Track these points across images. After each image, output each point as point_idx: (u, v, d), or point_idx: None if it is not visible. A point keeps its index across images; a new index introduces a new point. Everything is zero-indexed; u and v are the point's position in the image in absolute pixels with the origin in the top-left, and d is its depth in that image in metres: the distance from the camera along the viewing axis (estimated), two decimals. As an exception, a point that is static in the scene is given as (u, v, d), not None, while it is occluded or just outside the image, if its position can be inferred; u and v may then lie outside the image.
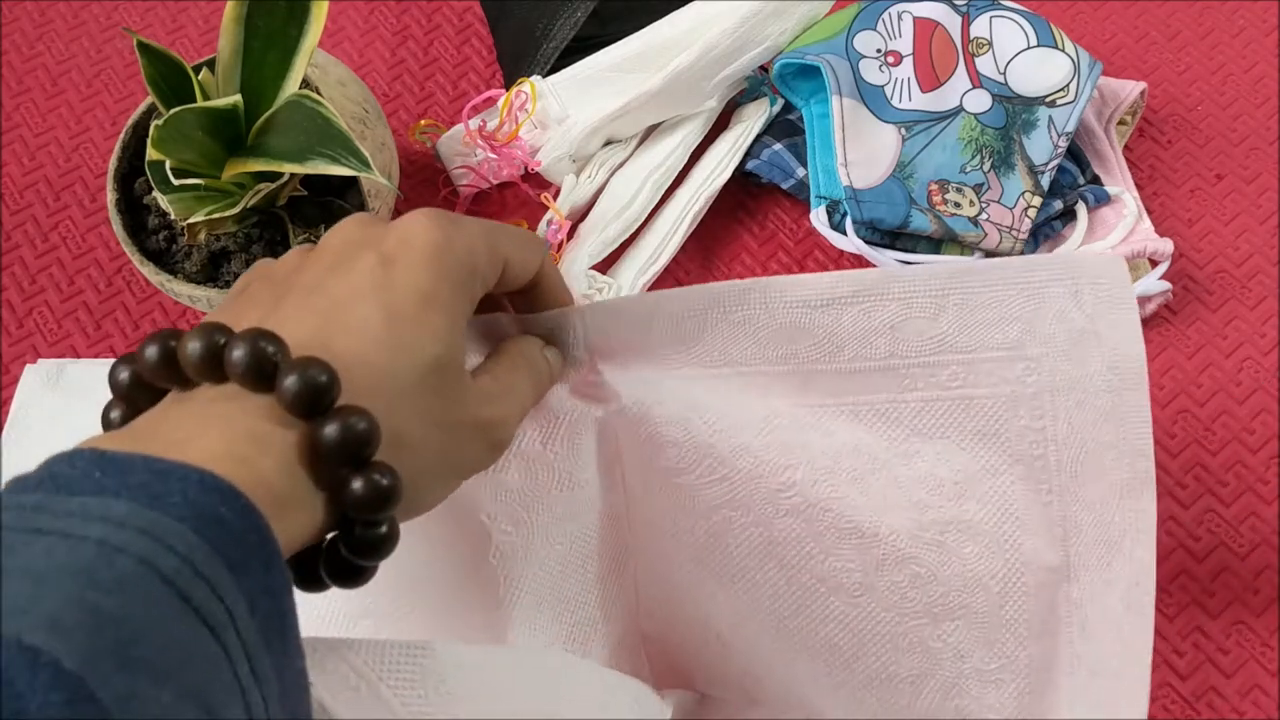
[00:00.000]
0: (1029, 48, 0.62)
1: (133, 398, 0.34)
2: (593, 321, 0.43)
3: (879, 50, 0.61)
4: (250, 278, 0.38)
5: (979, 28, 0.62)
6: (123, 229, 0.56)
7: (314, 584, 0.34)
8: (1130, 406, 0.41)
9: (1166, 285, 0.59)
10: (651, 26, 0.62)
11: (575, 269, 0.59)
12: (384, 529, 0.33)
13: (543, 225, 0.61)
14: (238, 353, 0.32)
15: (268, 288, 0.37)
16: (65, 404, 0.58)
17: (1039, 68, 0.61)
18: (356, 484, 0.32)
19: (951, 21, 0.62)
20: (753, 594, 0.44)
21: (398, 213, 0.64)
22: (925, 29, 0.62)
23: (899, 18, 0.62)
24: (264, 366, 0.32)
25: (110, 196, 0.57)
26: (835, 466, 0.42)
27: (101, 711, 0.23)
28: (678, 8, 0.63)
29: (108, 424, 0.35)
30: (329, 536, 0.34)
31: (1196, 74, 0.69)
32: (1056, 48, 0.62)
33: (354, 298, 0.35)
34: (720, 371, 0.43)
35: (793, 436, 0.43)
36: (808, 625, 0.44)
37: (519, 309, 0.44)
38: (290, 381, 0.31)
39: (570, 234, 0.61)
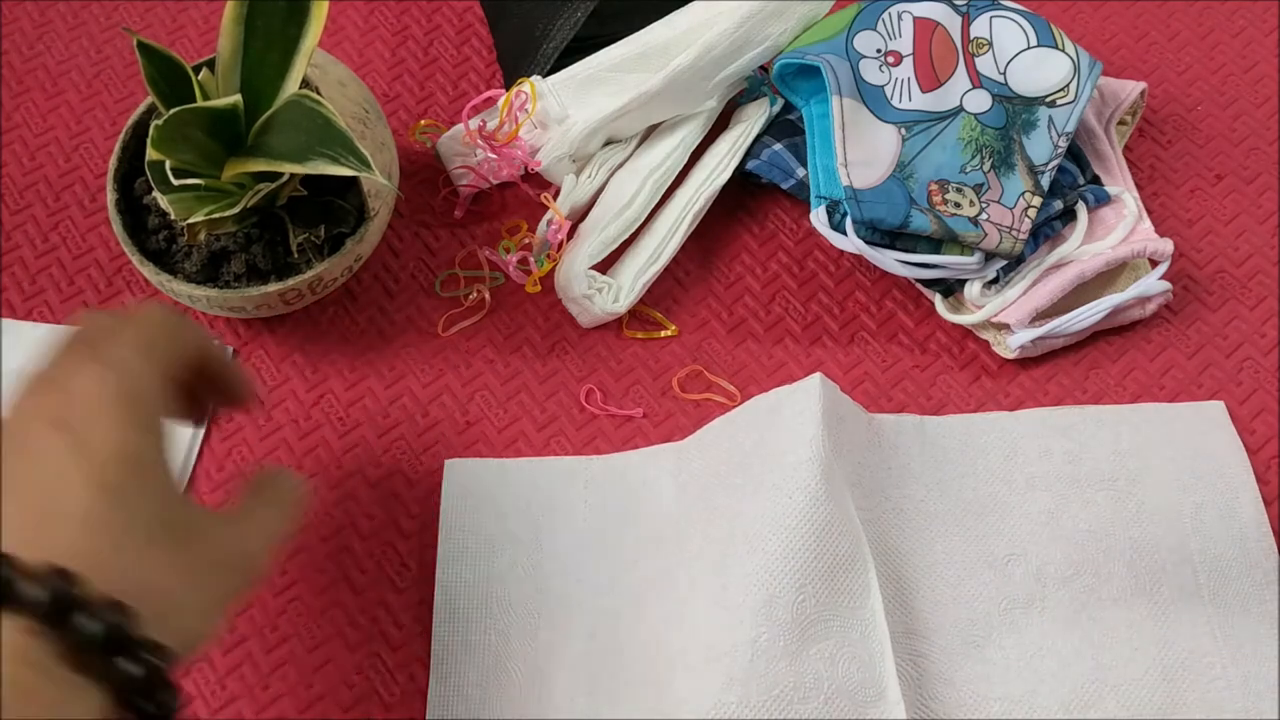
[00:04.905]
0: (1029, 48, 0.62)
1: None
2: None
3: (879, 50, 0.61)
4: None
5: (979, 28, 0.62)
6: (123, 229, 0.56)
7: None
8: None
9: (1166, 285, 0.59)
10: (651, 26, 0.62)
11: (575, 269, 0.59)
12: (167, 696, 0.33)
13: (543, 225, 0.61)
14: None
15: None
16: (65, 404, 0.58)
17: (1039, 68, 0.61)
18: (131, 668, 0.32)
19: (951, 21, 0.62)
20: None
21: (398, 213, 0.64)
22: (925, 29, 0.62)
23: (899, 18, 0.62)
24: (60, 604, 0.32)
25: (110, 196, 0.57)
26: None
27: None
28: (678, 8, 0.63)
29: None
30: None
31: (1196, 74, 0.69)
32: (1056, 48, 0.62)
33: (58, 484, 0.34)
34: None
35: None
36: None
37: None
38: (81, 621, 0.31)
39: (570, 234, 0.61)
